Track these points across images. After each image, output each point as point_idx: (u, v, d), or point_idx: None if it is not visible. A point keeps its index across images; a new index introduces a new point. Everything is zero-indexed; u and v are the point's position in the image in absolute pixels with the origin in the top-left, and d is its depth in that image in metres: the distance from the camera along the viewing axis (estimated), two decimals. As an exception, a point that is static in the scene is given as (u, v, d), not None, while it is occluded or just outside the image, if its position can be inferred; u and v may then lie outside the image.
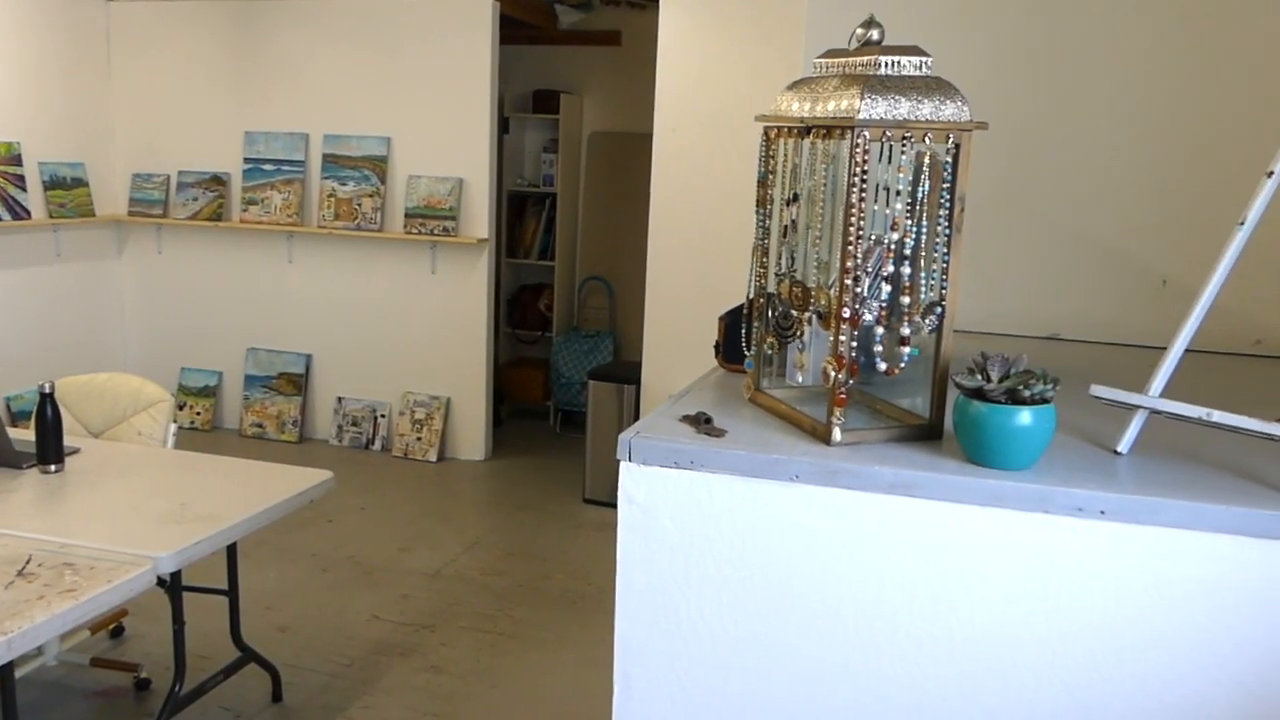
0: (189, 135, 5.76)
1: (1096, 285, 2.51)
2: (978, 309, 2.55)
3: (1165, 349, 1.50)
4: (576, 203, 6.30)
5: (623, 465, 1.52)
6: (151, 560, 2.22)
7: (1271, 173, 1.44)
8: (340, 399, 5.71)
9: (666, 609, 1.53)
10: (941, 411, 1.52)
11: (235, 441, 5.73)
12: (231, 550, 2.97)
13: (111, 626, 3.44)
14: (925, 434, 1.53)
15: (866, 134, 1.39)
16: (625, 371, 5.00)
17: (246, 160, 5.65)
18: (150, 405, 3.22)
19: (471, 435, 5.56)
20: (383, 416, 5.65)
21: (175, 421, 3.23)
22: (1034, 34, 2.49)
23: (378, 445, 5.65)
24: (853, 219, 1.41)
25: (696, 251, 4.54)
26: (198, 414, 5.91)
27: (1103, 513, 1.33)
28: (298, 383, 5.75)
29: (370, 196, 5.45)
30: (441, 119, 5.31)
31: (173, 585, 2.67)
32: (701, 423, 1.56)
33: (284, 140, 5.58)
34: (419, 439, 5.53)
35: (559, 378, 6.13)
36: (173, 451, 3.10)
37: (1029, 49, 2.49)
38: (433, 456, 5.51)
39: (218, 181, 5.72)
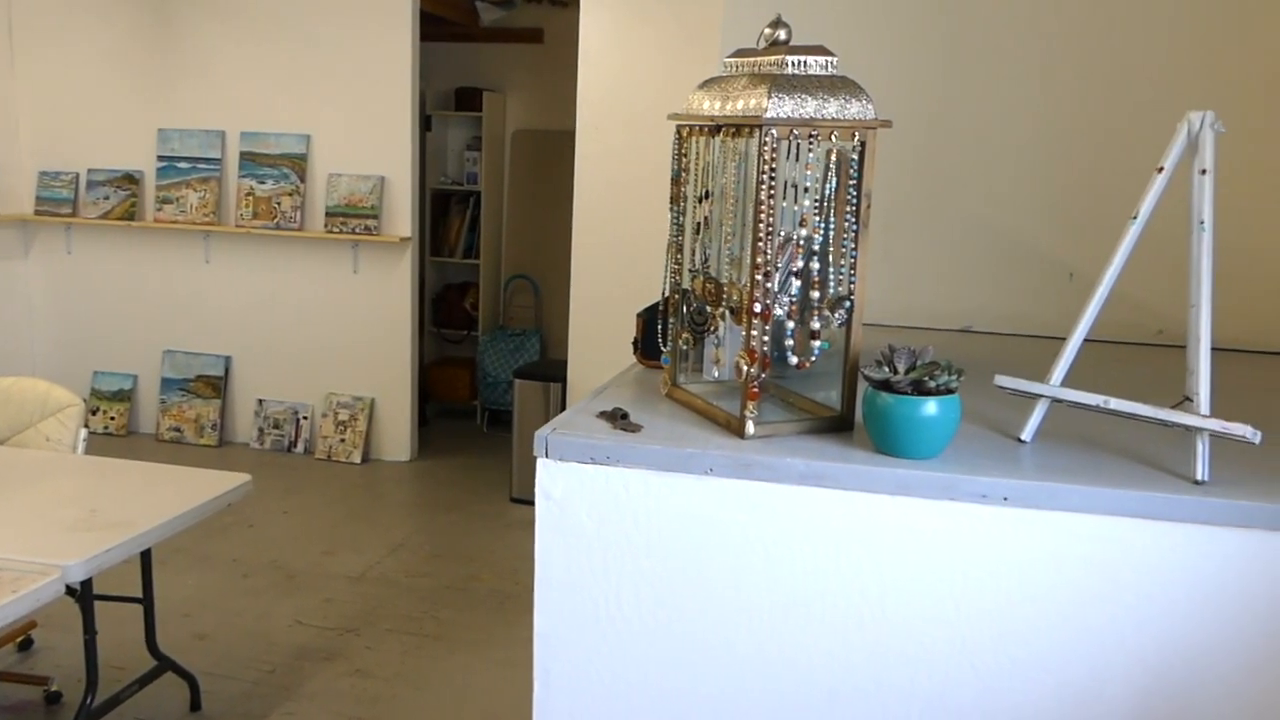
0: (99, 132, 5.60)
1: (1007, 279, 2.58)
2: (893, 303, 2.61)
3: (1064, 340, 1.55)
4: (501, 201, 6.27)
5: (539, 461, 1.52)
6: (59, 569, 2.16)
7: (1161, 169, 1.50)
8: (261, 401, 5.61)
9: (585, 604, 1.54)
10: (852, 404, 1.56)
11: (152, 446, 5.59)
12: (146, 557, 2.91)
13: (20, 639, 3.33)
14: (837, 426, 1.56)
15: (774, 132, 1.41)
16: (551, 370, 4.99)
17: (160, 158, 5.51)
18: (59, 410, 3.12)
19: (396, 436, 5.50)
20: (305, 418, 5.56)
21: (87, 427, 3.14)
22: (942, 34, 2.54)
23: (300, 448, 5.56)
24: (762, 216, 1.43)
25: (620, 249, 4.56)
26: (111, 419, 5.75)
27: (1006, 499, 1.37)
28: (216, 385, 5.63)
29: (290, 195, 5.36)
30: (362, 116, 5.25)
31: (83, 594, 2.60)
32: (618, 418, 1.57)
33: (199, 138, 5.46)
34: (343, 441, 5.46)
35: (485, 377, 6.10)
36: (83, 457, 3.02)
37: (938, 49, 2.55)
38: (357, 458, 5.44)
39: (130, 180, 5.57)
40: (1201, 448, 1.40)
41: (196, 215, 5.48)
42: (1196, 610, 1.37)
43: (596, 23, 4.50)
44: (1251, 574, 1.35)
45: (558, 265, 5.70)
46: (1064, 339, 1.55)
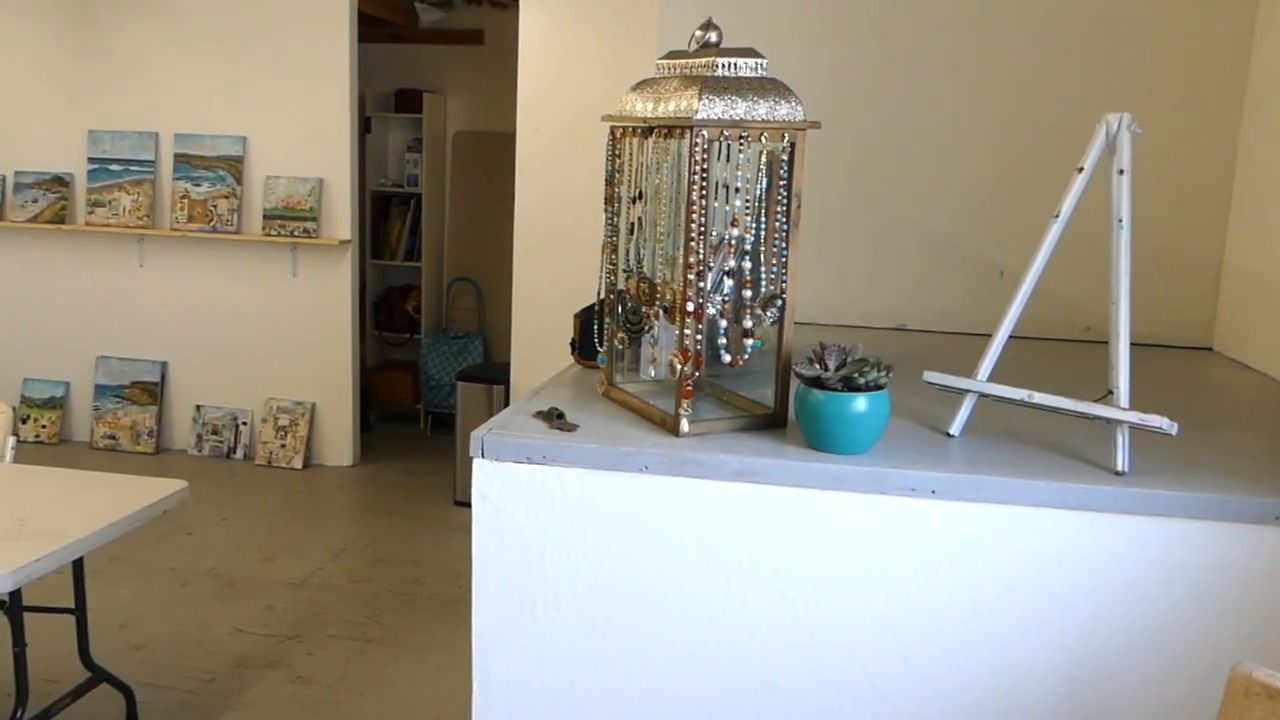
0: (26, 133, 5.47)
1: (940, 278, 2.63)
2: (828, 303, 2.65)
3: (991, 336, 1.58)
4: (443, 203, 6.24)
5: (476, 462, 1.52)
6: (-14, 580, 2.11)
7: (1081, 169, 1.54)
8: (199, 407, 5.51)
9: (523, 604, 1.55)
10: (785, 401, 1.58)
11: (85, 455, 5.47)
12: (78, 566, 2.85)
13: (-52, 653, 3.25)
14: (770, 423, 1.58)
15: (705, 133, 1.43)
16: (494, 372, 4.98)
17: (91, 160, 5.40)
18: (-14, 418, 3.05)
19: (338, 441, 5.44)
20: (245, 424, 5.48)
21: (16, 435, 3.07)
22: (872, 39, 2.58)
23: (240, 454, 5.48)
24: (694, 216, 1.44)
25: (562, 250, 4.55)
26: (43, 427, 5.62)
27: (934, 492, 1.40)
28: (153, 391, 5.53)
29: (226, 198, 5.28)
30: (300, 118, 5.18)
31: (12, 606, 2.54)
32: (554, 418, 1.58)
33: (132, 139, 5.35)
34: (283, 446, 5.39)
35: (428, 380, 6.06)
36: (11, 466, 2.95)
37: (869, 53, 2.59)
38: (298, 464, 5.37)
39: (60, 182, 5.45)
40: (1121, 439, 1.44)
41: (130, 218, 5.38)
42: (1119, 597, 1.41)
43: (536, 24, 4.49)
44: (1170, 561, 1.39)
45: (501, 267, 5.68)
46: (989, 336, 1.59)
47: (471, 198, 6.18)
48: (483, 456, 1.52)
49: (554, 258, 4.58)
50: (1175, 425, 1.42)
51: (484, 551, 1.54)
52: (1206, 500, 1.37)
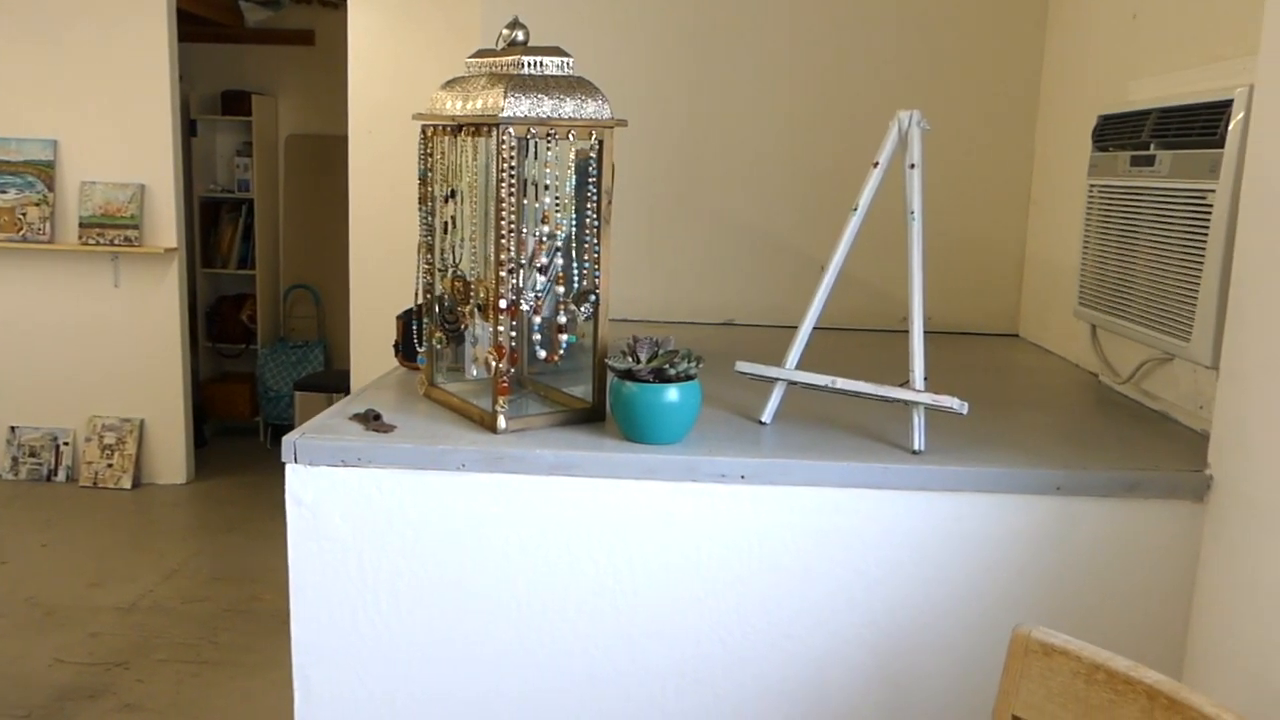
0: None
1: (765, 273, 2.71)
2: (658, 300, 2.69)
3: (796, 328, 1.65)
4: (276, 208, 6.05)
5: (289, 467, 1.49)
6: None
7: (877, 163, 1.62)
8: (14, 429, 5.18)
9: (343, 610, 1.52)
10: (603, 394, 1.60)
11: (-115, 484, 5.09)
12: None
13: None
14: (589, 417, 1.60)
15: (511, 131, 1.44)
16: (333, 380, 4.87)
17: (-118, 166, 5.02)
18: None
19: (171, 458, 5.21)
20: (66, 444, 5.19)
21: None
22: (691, 40, 2.64)
23: (61, 476, 5.19)
24: (504, 213, 1.45)
25: (400, 254, 4.48)
26: None
27: (743, 477, 1.45)
28: (-39, 413, 5.17)
29: (36, 205, 4.98)
30: (116, 120, 4.94)
31: None
32: (370, 419, 1.56)
33: (-71, 144, 5.00)
34: (110, 466, 5.13)
35: (266, 391, 5.87)
36: None
37: (689, 54, 2.65)
38: (127, 483, 5.12)
39: None
40: (918, 420, 1.52)
41: (-71, 228, 5.02)
42: (918, 570, 1.48)
43: (366, 24, 4.41)
44: (963, 533, 1.48)
45: (339, 273, 5.54)
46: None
47: (307, 202, 6.02)
48: (296, 461, 1.49)
49: (391, 261, 4.51)
50: (965, 405, 1.51)
51: (300, 558, 1.51)
52: (993, 474, 1.46)
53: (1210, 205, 1.57)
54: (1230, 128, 1.53)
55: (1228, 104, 1.54)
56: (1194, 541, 1.46)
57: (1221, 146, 1.54)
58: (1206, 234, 1.57)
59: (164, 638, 3.59)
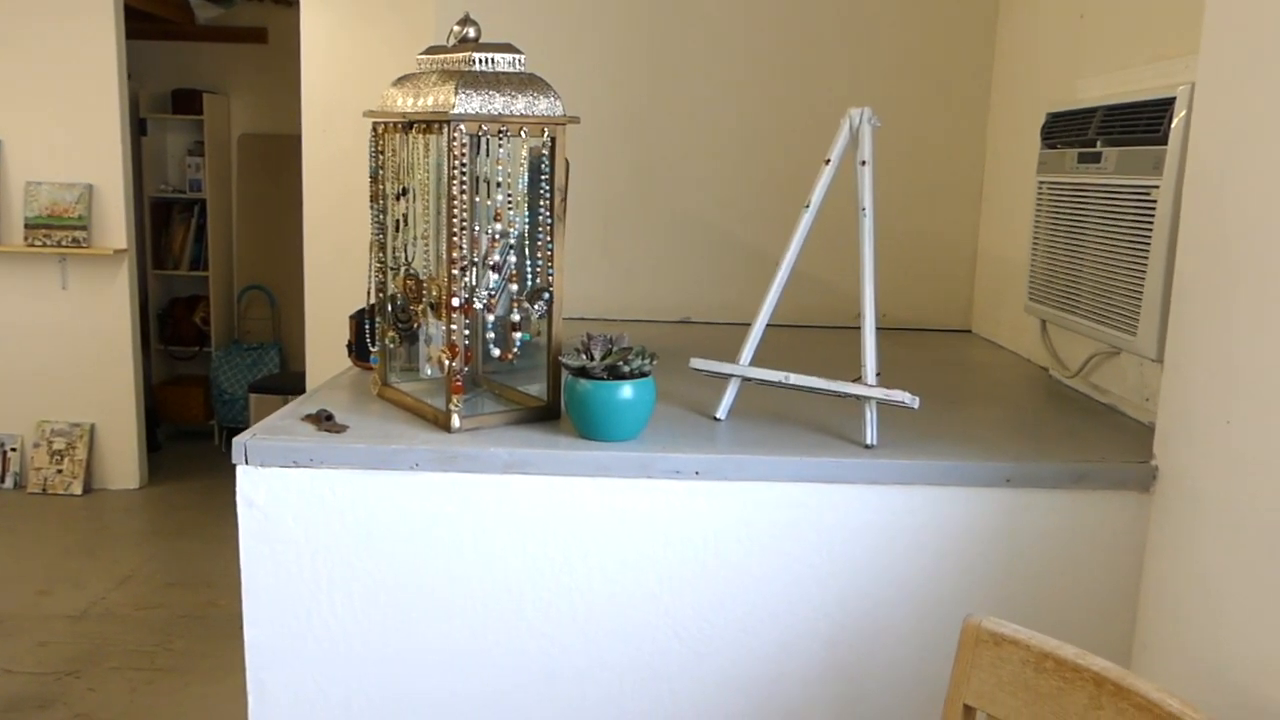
0: None
1: (721, 271, 2.72)
2: (615, 298, 2.69)
3: (750, 325, 1.65)
4: (230, 208, 5.97)
5: (239, 469, 1.47)
6: None
7: (828, 160, 1.63)
8: (-40, 434, 5.08)
9: (297, 611, 1.51)
10: (557, 392, 1.60)
11: None
12: None
13: None
14: (544, 415, 1.60)
15: (462, 128, 1.43)
16: (289, 382, 4.82)
17: None
18: None
19: (122, 463, 5.13)
20: (13, 450, 5.08)
21: None
22: (647, 39, 2.65)
23: (9, 483, 5.08)
24: (455, 210, 1.44)
25: (355, 254, 4.44)
26: None
27: (697, 473, 1.45)
28: (-96, 419, 5.05)
29: (-18, 206, 4.88)
30: (62, 119, 4.84)
31: None
32: (322, 420, 1.54)
33: None
34: (59, 472, 5.03)
35: (221, 394, 5.79)
36: None
37: (644, 52, 2.65)
38: (77, 489, 5.03)
39: None
40: (870, 415, 1.54)
41: None
42: (871, 563, 1.50)
43: (319, 22, 4.37)
44: (915, 526, 1.49)
45: (294, 274, 5.48)
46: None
47: (260, 202, 5.95)
48: (247, 462, 1.47)
49: (347, 261, 4.47)
50: (917, 399, 1.52)
51: (252, 560, 1.49)
52: (944, 467, 1.47)
53: (1154, 201, 1.60)
54: (1173, 125, 1.56)
55: (1170, 102, 1.57)
56: (1141, 531, 1.49)
57: (1165, 143, 1.57)
58: (1151, 230, 1.60)
59: (116, 645, 3.54)
